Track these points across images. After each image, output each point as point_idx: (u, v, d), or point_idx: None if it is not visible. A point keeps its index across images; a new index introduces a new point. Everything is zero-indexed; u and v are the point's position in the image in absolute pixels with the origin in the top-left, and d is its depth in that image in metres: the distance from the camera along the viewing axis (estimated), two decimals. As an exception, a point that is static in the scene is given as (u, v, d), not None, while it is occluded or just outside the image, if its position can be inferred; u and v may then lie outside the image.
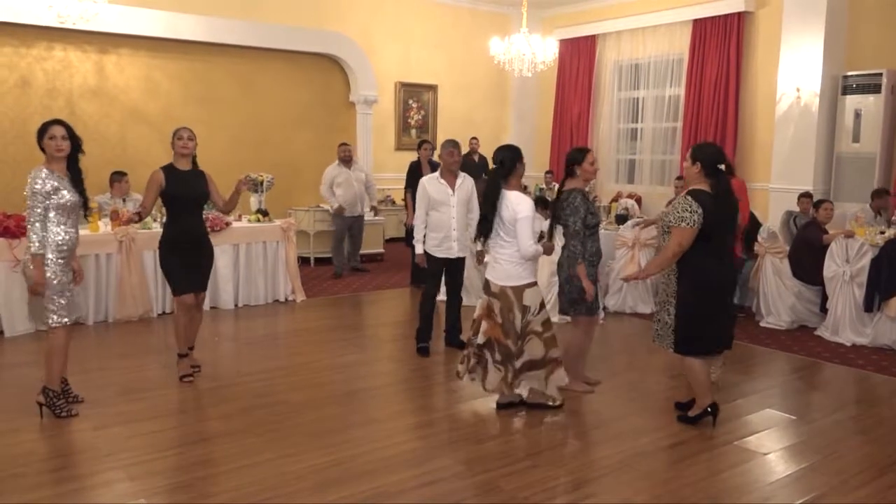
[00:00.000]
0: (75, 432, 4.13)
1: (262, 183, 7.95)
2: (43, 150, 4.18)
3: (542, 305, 4.45)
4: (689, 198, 4.03)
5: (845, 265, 6.36)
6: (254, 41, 9.90)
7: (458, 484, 3.61)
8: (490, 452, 4.00)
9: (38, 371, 4.40)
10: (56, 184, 4.12)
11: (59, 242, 4.18)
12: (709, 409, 4.28)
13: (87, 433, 4.11)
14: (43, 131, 4.15)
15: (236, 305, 7.27)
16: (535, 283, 4.42)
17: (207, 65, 9.85)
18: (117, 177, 7.55)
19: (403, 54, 11.79)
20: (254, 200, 7.93)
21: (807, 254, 6.77)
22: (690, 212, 3.98)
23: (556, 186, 9.46)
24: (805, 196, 7.75)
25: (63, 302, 4.23)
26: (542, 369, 4.45)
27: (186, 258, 4.90)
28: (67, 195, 4.17)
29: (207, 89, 9.87)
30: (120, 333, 6.29)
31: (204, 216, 6.59)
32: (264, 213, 7.76)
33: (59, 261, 4.19)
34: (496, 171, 4.41)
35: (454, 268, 5.72)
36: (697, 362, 4.22)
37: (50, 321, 4.22)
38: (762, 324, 6.89)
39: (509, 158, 4.38)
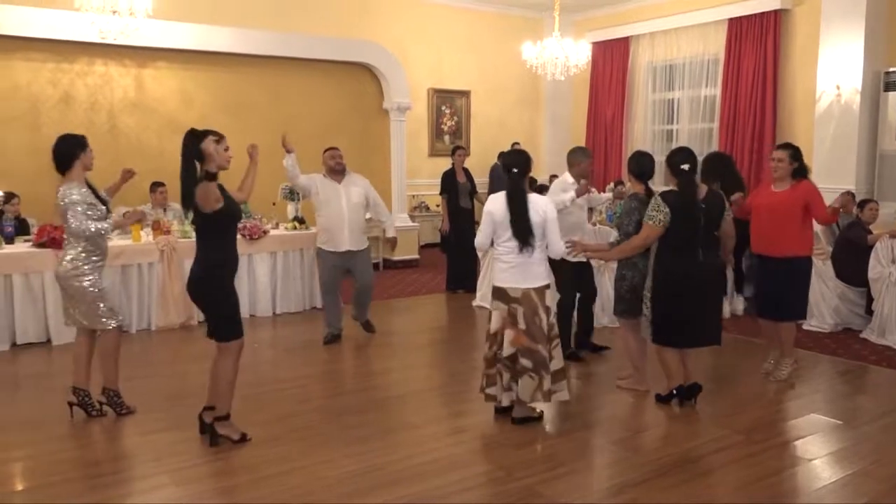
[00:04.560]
0: (123, 438, 4.22)
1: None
2: (70, 166, 4.52)
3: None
4: (658, 198, 4.48)
5: (891, 266, 6.21)
6: (286, 51, 10.00)
7: (499, 489, 3.61)
8: (530, 457, 3.99)
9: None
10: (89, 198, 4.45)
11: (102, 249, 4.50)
12: (674, 391, 4.67)
13: (133, 439, 4.21)
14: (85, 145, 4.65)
15: (274, 313, 7.37)
16: (550, 285, 4.46)
17: (240, 75, 9.97)
18: (155, 187, 7.71)
19: (436, 61, 11.84)
20: (290, 208, 8.02)
21: (851, 254, 6.62)
22: (658, 210, 4.42)
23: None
24: (847, 195, 7.59)
25: (105, 306, 4.44)
26: (565, 380, 4.45)
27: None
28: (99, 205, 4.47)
29: (240, 99, 9.99)
30: (163, 341, 6.42)
31: (241, 224, 6.74)
32: (301, 221, 7.86)
33: (99, 266, 4.46)
34: (517, 176, 4.37)
35: (588, 273, 5.79)
36: (669, 351, 4.61)
37: (101, 325, 4.44)
38: (805, 327, 6.73)
39: (524, 162, 4.39)
